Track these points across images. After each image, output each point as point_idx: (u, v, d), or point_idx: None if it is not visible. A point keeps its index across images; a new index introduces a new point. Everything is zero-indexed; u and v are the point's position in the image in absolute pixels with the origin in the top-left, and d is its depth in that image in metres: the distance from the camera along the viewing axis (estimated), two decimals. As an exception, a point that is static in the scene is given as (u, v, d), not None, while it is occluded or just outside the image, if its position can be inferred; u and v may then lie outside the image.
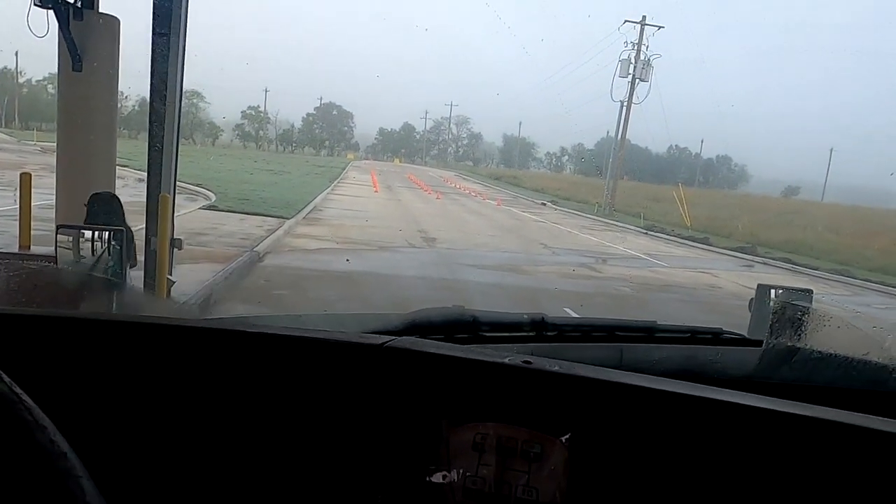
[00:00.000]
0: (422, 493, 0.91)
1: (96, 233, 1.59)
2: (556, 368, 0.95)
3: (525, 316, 1.31)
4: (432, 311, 1.30)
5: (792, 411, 0.86)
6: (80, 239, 1.60)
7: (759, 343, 1.28)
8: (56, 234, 1.55)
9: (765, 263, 16.95)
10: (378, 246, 12.35)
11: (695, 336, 1.38)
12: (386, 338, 1.03)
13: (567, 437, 0.89)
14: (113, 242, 1.59)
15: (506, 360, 0.96)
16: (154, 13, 5.95)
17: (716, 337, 1.39)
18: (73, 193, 6.15)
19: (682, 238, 21.27)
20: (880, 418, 0.86)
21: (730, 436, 0.86)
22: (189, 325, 1.08)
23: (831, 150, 65.47)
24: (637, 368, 1.03)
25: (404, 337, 1.06)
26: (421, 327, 1.21)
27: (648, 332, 1.37)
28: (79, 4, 6.01)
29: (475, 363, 0.97)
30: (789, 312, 1.22)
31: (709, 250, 19.02)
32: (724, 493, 0.85)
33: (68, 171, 6.21)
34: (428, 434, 0.92)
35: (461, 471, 0.90)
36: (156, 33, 5.98)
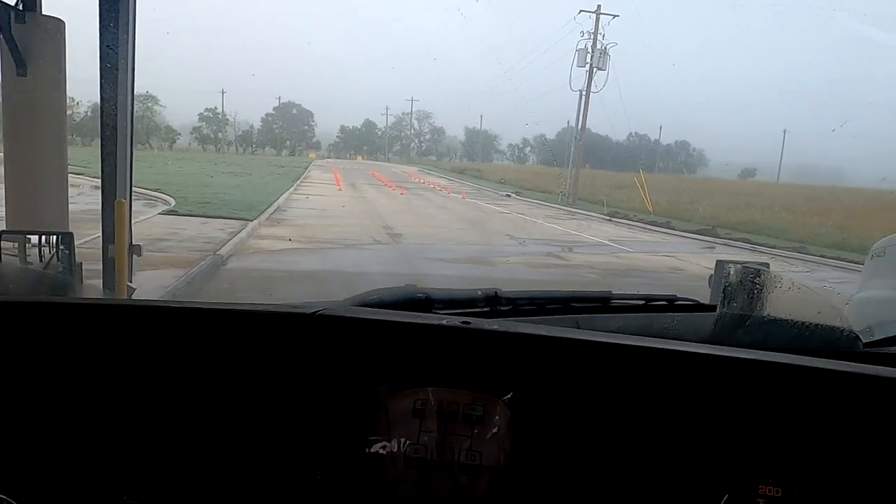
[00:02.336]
0: (362, 464, 0.89)
1: (43, 238, 1.54)
2: (496, 327, 0.94)
3: (479, 292, 1.29)
4: (384, 290, 1.28)
5: (741, 356, 0.87)
6: (27, 245, 1.54)
7: (712, 308, 1.30)
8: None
9: (726, 244, 17.31)
10: (343, 244, 12.25)
11: (649, 304, 1.39)
12: (318, 306, 1.01)
13: (509, 396, 0.88)
14: (61, 247, 1.54)
15: (443, 322, 0.95)
16: (100, 14, 5.78)
17: (670, 304, 1.40)
18: (23, 202, 5.96)
19: (645, 223, 21.58)
20: (814, 358, 0.89)
21: (682, 385, 0.86)
22: (119, 303, 1.05)
23: (784, 132, 67.13)
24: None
25: (339, 304, 1.05)
26: (372, 306, 1.19)
27: (604, 302, 1.37)
28: (20, 7, 5.81)
29: (412, 326, 0.95)
30: (742, 277, 1.23)
31: (671, 234, 19.34)
32: (681, 446, 0.85)
33: (17, 179, 6.01)
34: (366, 403, 0.90)
35: (402, 439, 0.88)
36: (103, 35, 5.82)
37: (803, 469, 0.83)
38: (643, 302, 1.39)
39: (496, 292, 1.29)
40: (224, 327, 0.98)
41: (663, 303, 1.39)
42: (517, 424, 0.87)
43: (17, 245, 1.56)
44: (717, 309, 1.24)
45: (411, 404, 0.89)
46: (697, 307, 1.41)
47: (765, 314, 1.15)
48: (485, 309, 1.27)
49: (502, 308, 1.28)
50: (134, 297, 6.24)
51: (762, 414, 0.84)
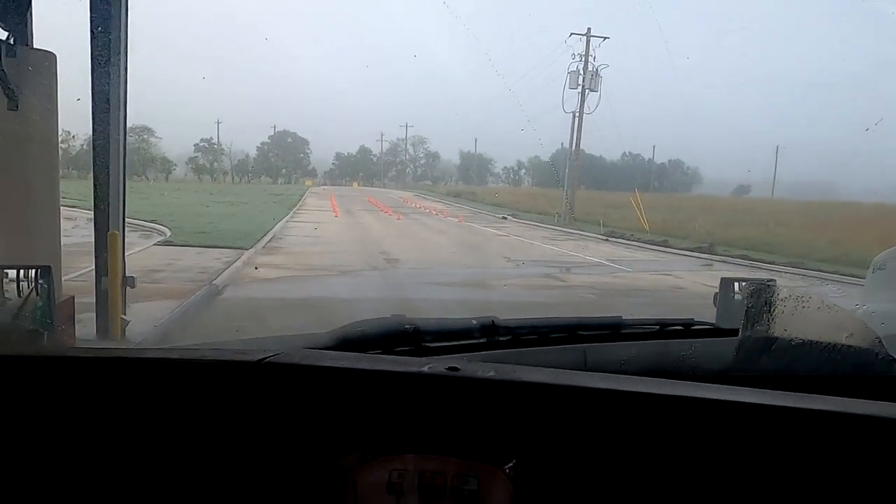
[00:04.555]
0: None
1: (21, 272, 1.48)
2: (491, 374, 0.77)
3: (474, 321, 1.17)
4: (367, 323, 1.15)
5: (774, 403, 0.74)
6: (4, 279, 1.48)
7: (733, 332, 1.18)
8: (-25, 276, 1.43)
9: (723, 261, 17.28)
10: (339, 271, 12.18)
11: (664, 329, 1.27)
12: (269, 352, 0.85)
13: (511, 465, 0.71)
14: (41, 281, 1.48)
15: (425, 370, 0.78)
16: (92, 48, 5.80)
17: (687, 329, 1.29)
18: (16, 237, 5.90)
19: (642, 242, 21.58)
20: (860, 401, 0.76)
21: (711, 439, 0.73)
22: (61, 354, 0.96)
23: (777, 148, 67.64)
24: (604, 370, 0.92)
25: (294, 349, 0.89)
26: (354, 342, 1.05)
27: (614, 329, 1.25)
28: (11, 41, 5.81)
29: (384, 376, 0.78)
30: (764, 297, 1.13)
31: (668, 252, 19.33)
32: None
33: (8, 214, 5.95)
34: (327, 475, 0.73)
35: None
36: (95, 68, 5.83)
37: None
38: (657, 328, 1.28)
39: (493, 321, 1.16)
40: (160, 377, 0.85)
41: (679, 328, 1.28)
42: (522, 500, 0.70)
43: (-7, 280, 1.50)
44: (739, 334, 1.13)
45: (385, 476, 0.72)
46: (716, 332, 1.30)
47: (790, 337, 1.03)
48: (481, 340, 1.14)
49: (501, 339, 1.15)
50: (127, 329, 6.15)
51: (799, 470, 0.71)
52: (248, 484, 0.75)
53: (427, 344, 1.12)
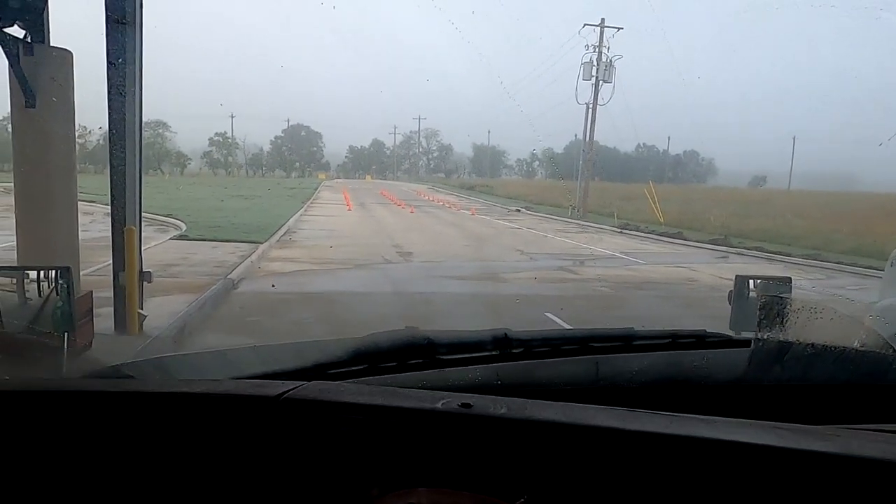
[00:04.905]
0: None
1: (42, 272, 1.51)
2: (504, 411, 0.79)
3: (487, 333, 1.18)
4: (381, 335, 1.16)
5: (797, 447, 0.72)
6: (25, 280, 1.50)
7: (746, 343, 1.18)
8: (-3, 277, 1.46)
9: (738, 253, 17.14)
10: (354, 264, 12.23)
11: (676, 340, 1.27)
12: (289, 384, 0.88)
13: (523, 500, 0.74)
14: (60, 281, 1.50)
15: (438, 406, 0.81)
16: (108, 46, 5.85)
17: (700, 340, 1.28)
18: (34, 233, 6.00)
19: (657, 234, 21.44)
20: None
21: (724, 483, 0.72)
22: (62, 388, 0.95)
23: (794, 139, 66.88)
24: (615, 382, 0.92)
25: (312, 382, 0.91)
26: (368, 356, 1.08)
27: (626, 341, 1.25)
28: (28, 39, 5.88)
29: (400, 412, 0.81)
30: (776, 307, 1.11)
31: (683, 244, 19.19)
32: None
33: (28, 210, 6.05)
34: None
35: None
36: (110, 66, 5.88)
37: None
38: (669, 339, 1.28)
39: (506, 333, 1.17)
40: (176, 413, 0.86)
41: (692, 339, 1.28)
42: None
43: (14, 281, 1.53)
44: (752, 344, 1.12)
45: None
46: (729, 342, 1.29)
47: (803, 346, 1.02)
48: (493, 352, 1.15)
49: (514, 351, 1.16)
50: (144, 324, 6.23)
51: None
52: None
53: (441, 357, 1.13)
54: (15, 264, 5.35)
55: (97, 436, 0.87)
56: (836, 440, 0.74)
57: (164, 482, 0.83)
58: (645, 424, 0.78)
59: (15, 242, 6.09)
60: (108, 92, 5.87)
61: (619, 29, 30.02)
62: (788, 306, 1.14)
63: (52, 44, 6.10)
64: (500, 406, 0.80)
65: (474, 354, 1.15)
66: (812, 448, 0.72)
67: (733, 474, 0.72)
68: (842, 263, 14.93)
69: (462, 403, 0.81)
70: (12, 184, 6.20)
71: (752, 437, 0.74)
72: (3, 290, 1.48)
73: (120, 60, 5.89)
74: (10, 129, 6.26)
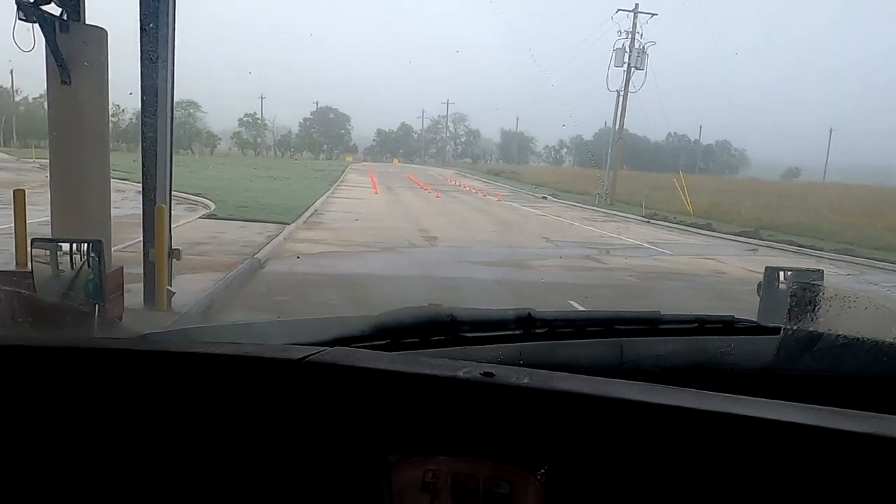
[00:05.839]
0: None
1: (74, 245, 1.54)
2: (526, 381, 0.77)
3: (510, 312, 1.16)
4: (403, 311, 1.14)
5: (833, 426, 0.69)
6: (59, 252, 1.54)
7: (775, 331, 1.14)
8: (31, 248, 1.49)
9: (769, 247, 16.85)
10: (380, 247, 12.29)
11: (703, 326, 1.24)
12: (311, 349, 0.87)
13: (543, 471, 0.72)
14: (91, 254, 1.53)
15: (459, 374, 0.79)
16: (141, 24, 5.91)
17: (727, 326, 1.24)
18: (68, 208, 6.11)
19: (685, 225, 21.16)
20: None
21: (748, 457, 0.70)
22: (92, 346, 0.97)
23: (831, 130, 65.33)
24: (639, 365, 0.91)
25: (334, 348, 0.91)
26: (390, 331, 1.07)
27: (651, 325, 1.22)
28: (64, 17, 5.96)
29: (421, 378, 0.79)
30: (808, 295, 1.07)
31: (712, 236, 18.91)
32: None
33: (62, 185, 6.17)
34: (365, 472, 0.75)
35: None
36: (144, 44, 5.95)
37: None
38: (696, 324, 1.24)
39: (529, 313, 1.15)
40: (199, 373, 0.87)
41: (719, 325, 1.24)
42: None
43: (48, 253, 1.56)
44: (781, 332, 1.08)
45: (420, 476, 0.73)
46: (757, 329, 1.25)
47: (835, 336, 0.99)
48: (517, 332, 1.13)
49: (537, 331, 1.14)
50: (173, 300, 6.34)
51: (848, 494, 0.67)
52: (283, 480, 0.78)
53: (464, 334, 1.11)
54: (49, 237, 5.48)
55: (123, 392, 0.88)
56: (873, 420, 0.72)
57: (185, 438, 0.84)
58: (672, 399, 0.76)
59: (49, 217, 6.23)
60: (141, 72, 5.94)
61: (653, 15, 29.50)
62: (820, 295, 1.10)
63: (87, 22, 6.17)
64: (522, 376, 0.79)
65: (497, 333, 1.13)
66: (849, 428, 0.70)
67: (765, 451, 0.70)
68: (874, 259, 14.59)
69: (484, 372, 0.79)
70: (48, 159, 6.32)
71: (786, 416, 0.72)
72: (38, 262, 1.52)
73: (153, 40, 5.95)
74: (46, 106, 6.37)
